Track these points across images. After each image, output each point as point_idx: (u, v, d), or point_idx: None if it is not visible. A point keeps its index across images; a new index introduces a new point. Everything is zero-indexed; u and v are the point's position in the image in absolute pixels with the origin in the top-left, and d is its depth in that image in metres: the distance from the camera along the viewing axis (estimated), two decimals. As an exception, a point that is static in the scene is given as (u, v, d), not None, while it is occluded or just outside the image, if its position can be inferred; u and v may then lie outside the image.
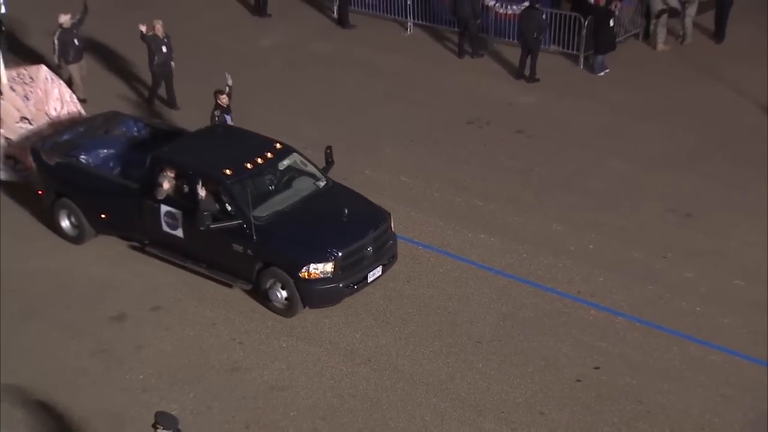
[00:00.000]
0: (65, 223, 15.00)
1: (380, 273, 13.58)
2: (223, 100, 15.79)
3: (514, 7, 20.74)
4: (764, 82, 18.96)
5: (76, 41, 18.37)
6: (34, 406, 12.09)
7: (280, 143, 14.29)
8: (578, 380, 12.27)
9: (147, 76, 19.15)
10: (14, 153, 15.89)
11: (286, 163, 14.11)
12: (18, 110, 16.24)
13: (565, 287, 13.90)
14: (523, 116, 18.72)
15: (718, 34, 21.17)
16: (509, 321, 13.29)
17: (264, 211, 13.37)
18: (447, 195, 15.99)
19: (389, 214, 13.88)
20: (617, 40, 20.28)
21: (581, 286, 13.90)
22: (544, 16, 19.88)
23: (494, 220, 15.33)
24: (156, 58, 18.18)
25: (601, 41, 19.79)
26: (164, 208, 13.78)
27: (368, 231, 13.37)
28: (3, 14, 18.48)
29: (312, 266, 12.91)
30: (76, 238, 15.00)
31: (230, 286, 13.76)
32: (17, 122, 16.13)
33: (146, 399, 12.21)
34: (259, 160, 13.81)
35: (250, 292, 13.72)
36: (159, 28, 18.07)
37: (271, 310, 13.40)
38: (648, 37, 21.23)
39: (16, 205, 15.96)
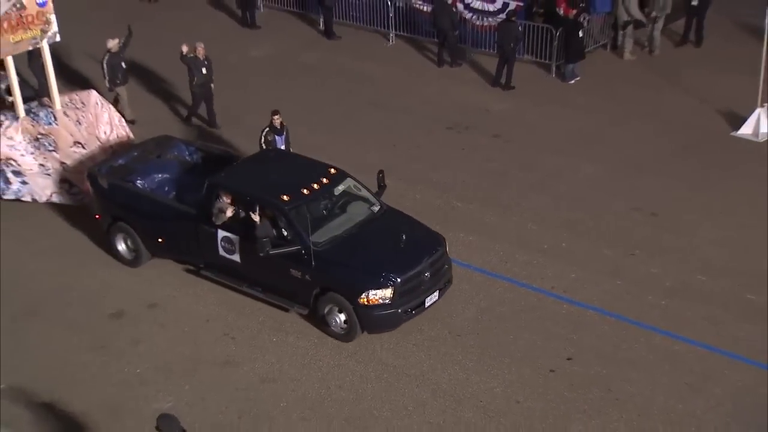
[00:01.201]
0: (121, 247, 14.46)
1: (437, 298, 12.99)
2: (277, 120, 15.30)
3: (491, 19, 20.83)
4: (725, 88, 19.06)
5: (123, 64, 18.03)
6: (35, 402, 12.05)
7: (334, 168, 13.69)
8: (552, 370, 12.34)
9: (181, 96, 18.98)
10: (69, 177, 15.58)
11: (341, 188, 13.56)
12: (71, 135, 15.97)
13: (539, 283, 13.96)
14: (499, 122, 18.77)
15: (698, 40, 21.28)
16: (487, 315, 13.35)
17: (321, 236, 12.80)
18: (428, 197, 16.02)
19: (444, 238, 13.28)
20: (587, 49, 20.36)
21: (554, 282, 13.96)
22: (519, 28, 19.96)
23: (473, 221, 15.38)
24: (196, 79, 17.86)
25: (572, 51, 19.87)
26: (221, 233, 13.24)
27: (425, 256, 12.78)
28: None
29: (371, 292, 12.35)
30: (132, 261, 14.45)
31: (287, 310, 13.25)
32: (71, 147, 15.87)
33: (143, 392, 12.21)
34: (315, 186, 13.23)
35: (241, 291, 13.65)
36: (200, 51, 17.76)
37: (329, 334, 12.89)
38: (616, 47, 21.35)
39: (71, 227, 15.60)
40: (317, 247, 12.59)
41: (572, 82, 20.18)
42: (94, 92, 16.90)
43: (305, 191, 13.10)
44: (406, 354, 12.71)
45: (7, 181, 15.44)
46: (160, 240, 14.06)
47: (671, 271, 14.09)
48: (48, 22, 15.71)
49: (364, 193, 13.71)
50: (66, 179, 15.59)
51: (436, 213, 15.44)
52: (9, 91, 16.90)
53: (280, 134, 15.38)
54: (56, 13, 15.94)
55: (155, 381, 12.43)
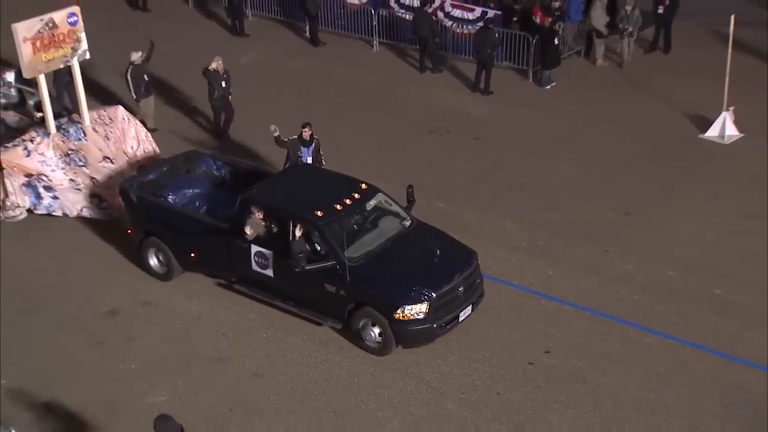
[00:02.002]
0: (153, 261, 14.09)
1: (470, 312, 12.63)
2: (306, 133, 14.80)
3: (470, 27, 20.87)
4: (692, 93, 19.15)
5: (145, 77, 17.81)
6: (34, 401, 12.00)
7: (365, 183, 13.30)
8: (530, 363, 12.39)
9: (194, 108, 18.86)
10: (99, 192, 15.35)
11: (372, 203, 13.15)
12: (100, 150, 15.78)
13: (518, 280, 14.01)
14: (479, 125, 18.80)
15: (666, 47, 21.33)
16: (468, 311, 13.39)
17: (355, 251, 12.38)
18: None
19: (476, 253, 12.94)
20: (562, 56, 20.44)
21: (532, 279, 14.01)
22: (497, 35, 20.01)
23: (454, 220, 15.36)
24: (216, 93, 17.67)
25: (547, 58, 19.93)
26: (255, 249, 12.83)
27: (459, 271, 12.42)
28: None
29: (407, 307, 11.96)
30: (164, 276, 14.07)
31: (320, 324, 12.86)
32: (100, 162, 15.66)
33: (138, 387, 12.19)
34: (348, 201, 12.82)
35: (231, 287, 13.61)
36: (220, 65, 17.61)
37: (363, 348, 12.52)
38: (589, 54, 21.39)
39: (100, 240, 15.29)
40: (352, 262, 12.18)
41: (548, 87, 20.24)
42: (121, 108, 16.68)
43: (338, 207, 12.71)
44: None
45: (39, 196, 15.21)
46: (192, 255, 13.65)
47: (643, 267, 14.16)
48: (78, 41, 15.50)
49: (395, 207, 13.31)
50: (96, 194, 15.32)
51: (418, 213, 15.35)
52: (37, 107, 16.86)
53: (307, 146, 14.89)
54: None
55: (149, 376, 12.40)
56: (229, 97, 17.94)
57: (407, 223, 13.17)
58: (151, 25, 23.22)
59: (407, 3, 21.82)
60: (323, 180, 13.70)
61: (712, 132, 17.93)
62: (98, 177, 15.45)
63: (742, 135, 17.80)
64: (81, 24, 15.49)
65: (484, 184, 16.55)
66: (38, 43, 14.88)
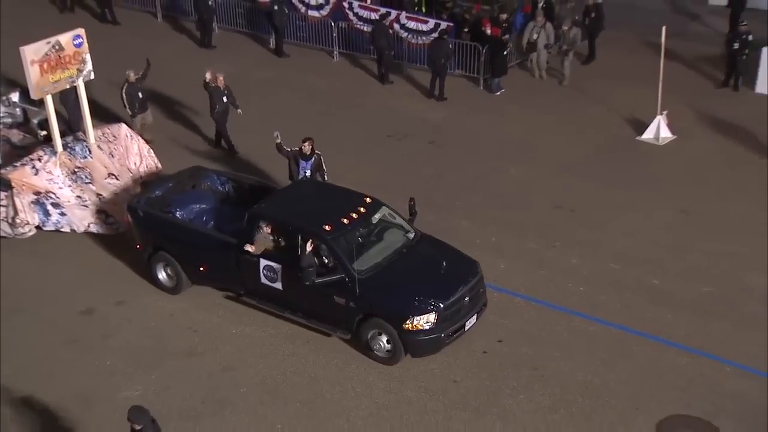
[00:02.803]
0: (162, 275, 13.55)
1: (475, 320, 12.29)
2: (307, 147, 14.28)
3: (424, 38, 20.83)
4: (629, 98, 19.23)
5: (140, 94, 17.34)
6: (15, 398, 11.74)
7: (370, 197, 12.91)
8: (484, 352, 12.37)
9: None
10: (105, 207, 14.89)
11: (377, 216, 12.72)
12: (105, 167, 15.35)
13: (471, 274, 13.99)
14: (434, 130, 18.75)
15: (591, 56, 21.35)
16: (425, 304, 13.30)
17: (363, 264, 11.99)
18: None
19: (478, 263, 12.60)
20: (509, 65, 20.44)
21: (486, 273, 13.78)
22: (450, 46, 19.98)
23: (411, 219, 15.35)
24: (217, 107, 17.24)
25: (496, 66, 19.91)
26: (264, 262, 12.42)
27: (465, 282, 12.11)
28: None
29: (416, 318, 11.60)
30: (173, 289, 13.54)
31: (329, 335, 12.45)
32: (105, 178, 15.24)
33: (113, 382, 11.96)
34: (354, 215, 12.41)
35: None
36: (221, 81, 17.19)
37: (372, 358, 12.11)
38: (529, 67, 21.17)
39: (105, 253, 14.80)
40: (361, 275, 11.81)
41: (498, 93, 20.24)
42: (123, 125, 16.28)
43: (345, 221, 12.30)
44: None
45: (47, 213, 14.74)
46: (201, 269, 13.21)
47: (587, 261, 14.21)
48: (83, 62, 15.09)
49: (399, 220, 12.95)
50: (102, 210, 14.90)
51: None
52: (41, 125, 16.47)
53: (307, 160, 14.33)
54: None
55: (124, 372, 12.17)
56: (238, 110, 17.44)
57: (411, 235, 12.80)
58: (121, 38, 22.83)
59: (365, 15, 21.75)
60: (329, 194, 13.28)
61: (648, 134, 18.04)
62: (104, 193, 15.05)
63: (675, 137, 17.95)
64: (86, 45, 15.12)
65: (439, 185, 16.50)
66: (45, 65, 14.51)
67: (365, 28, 21.56)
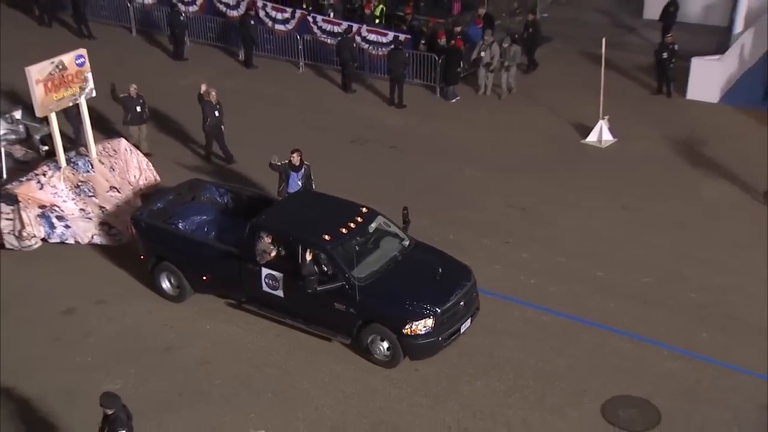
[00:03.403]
0: (165, 284, 13.24)
1: (469, 324, 12.12)
2: (296, 158, 14.09)
3: (384, 49, 20.88)
4: (574, 105, 19.41)
5: (138, 108, 17.08)
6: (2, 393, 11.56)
7: (366, 207, 12.70)
8: (444, 342, 12.44)
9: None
10: (108, 219, 14.59)
11: (374, 225, 12.50)
12: (107, 181, 15.07)
13: (431, 269, 14.02)
14: (395, 135, 18.77)
15: (531, 65, 21.43)
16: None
17: (362, 271, 11.77)
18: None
19: (471, 269, 12.44)
20: (464, 74, 20.54)
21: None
22: (407, 55, 20.04)
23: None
24: (209, 121, 16.97)
25: (450, 75, 20.02)
26: (265, 271, 12.17)
27: (460, 287, 11.95)
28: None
29: (415, 323, 11.42)
30: (176, 297, 13.23)
31: (329, 340, 12.24)
32: (107, 191, 14.93)
33: (95, 377, 11.82)
34: (352, 225, 12.19)
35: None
36: (213, 96, 16.92)
37: (372, 362, 11.92)
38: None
39: (110, 264, 14.41)
40: (360, 282, 11.63)
41: (453, 101, 20.35)
42: (123, 140, 16.02)
43: (344, 230, 12.08)
44: (323, 335, 12.48)
45: (52, 226, 14.42)
46: (204, 278, 12.92)
47: (538, 255, 14.33)
48: (85, 80, 14.85)
49: (394, 229, 12.73)
50: (105, 222, 14.63)
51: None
52: (43, 141, 16.25)
53: (296, 171, 14.18)
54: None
55: (105, 367, 12.04)
56: (222, 126, 17.20)
57: (406, 242, 12.60)
58: (99, 52, 22.44)
59: (328, 29, 21.75)
60: (326, 205, 12.98)
61: (592, 137, 18.24)
62: (106, 206, 14.79)
63: (616, 140, 18.19)
64: (87, 65, 14.90)
65: (401, 186, 16.50)
66: (49, 84, 14.28)
67: (329, 41, 21.56)
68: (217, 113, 17.10)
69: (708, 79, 19.38)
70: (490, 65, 19.87)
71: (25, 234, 14.10)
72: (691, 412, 11.18)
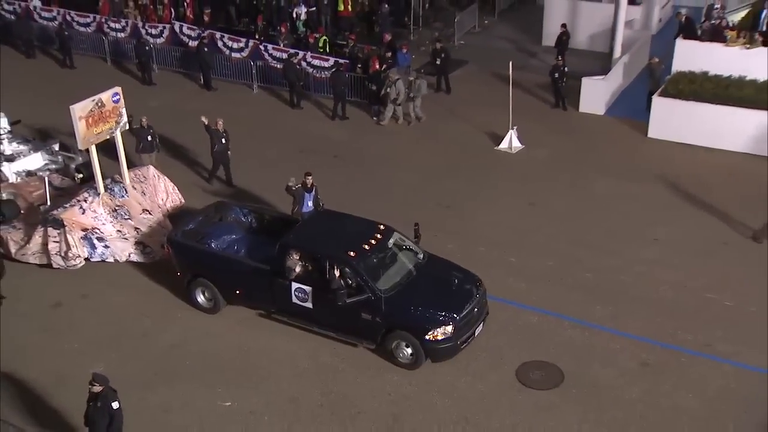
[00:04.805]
0: (201, 298, 12.79)
1: (481, 327, 11.83)
2: (309, 180, 13.84)
3: (326, 72, 20.92)
4: (487, 117, 19.53)
5: (149, 137, 16.64)
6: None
7: (383, 225, 12.32)
8: (383, 321, 12.53)
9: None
10: (143, 239, 14.24)
11: (392, 241, 12.15)
12: (140, 204, 14.69)
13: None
14: (337, 146, 18.75)
15: (447, 89, 21.31)
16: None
17: (385, 284, 11.47)
18: (287, 206, 15.24)
19: (480, 278, 12.10)
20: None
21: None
22: (347, 76, 20.06)
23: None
24: (216, 147, 16.50)
25: (381, 96, 19.91)
26: (295, 285, 11.81)
27: (473, 295, 11.67)
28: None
29: (436, 330, 11.16)
30: (210, 310, 12.77)
31: (355, 345, 11.85)
32: (141, 214, 14.55)
33: (80, 361, 11.71)
34: (373, 241, 11.86)
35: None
36: (220, 124, 16.48)
37: (396, 364, 11.59)
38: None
39: (149, 280, 13.89)
40: (385, 294, 11.36)
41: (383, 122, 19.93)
42: (151, 167, 15.65)
43: (366, 247, 11.77)
44: (283, 320, 12.47)
45: (93, 246, 13.99)
46: (237, 292, 12.52)
47: (461, 246, 14.41)
48: (120, 115, 14.54)
49: (408, 243, 12.39)
50: (140, 241, 14.29)
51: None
52: (78, 170, 16.02)
53: (309, 192, 13.91)
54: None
55: (89, 352, 11.93)
56: (228, 152, 16.80)
57: (420, 256, 12.28)
58: (77, 79, 21.99)
59: (277, 56, 21.70)
60: (347, 224, 12.55)
61: (503, 144, 18.45)
62: (141, 227, 14.44)
63: (524, 146, 18.47)
64: (122, 101, 14.61)
65: (345, 191, 16.44)
66: (90, 120, 13.99)
67: (278, 66, 21.49)
68: (223, 140, 16.70)
69: (595, 95, 20.03)
70: (397, 100, 19.56)
71: (70, 254, 13.76)
72: (588, 371, 11.61)
